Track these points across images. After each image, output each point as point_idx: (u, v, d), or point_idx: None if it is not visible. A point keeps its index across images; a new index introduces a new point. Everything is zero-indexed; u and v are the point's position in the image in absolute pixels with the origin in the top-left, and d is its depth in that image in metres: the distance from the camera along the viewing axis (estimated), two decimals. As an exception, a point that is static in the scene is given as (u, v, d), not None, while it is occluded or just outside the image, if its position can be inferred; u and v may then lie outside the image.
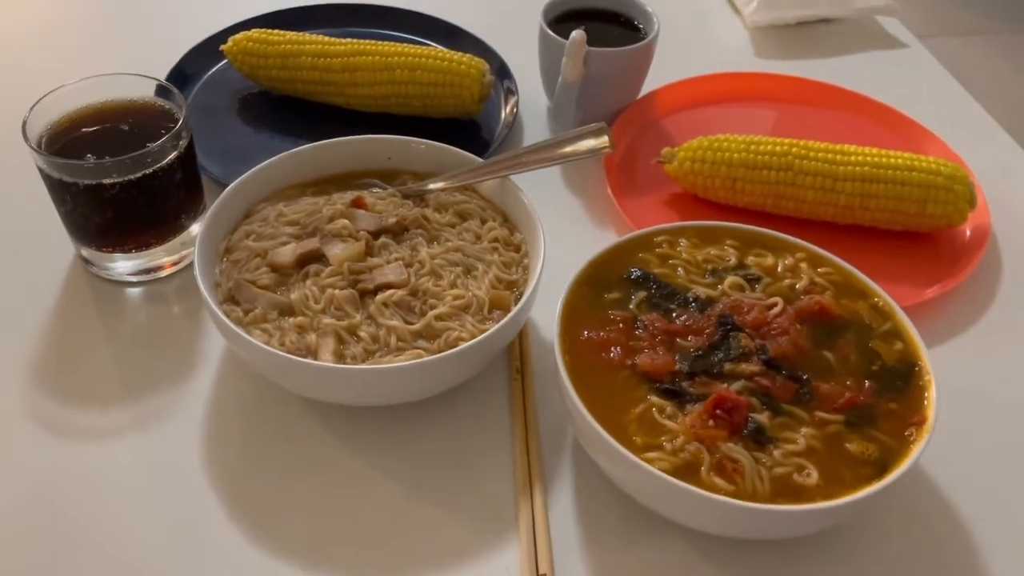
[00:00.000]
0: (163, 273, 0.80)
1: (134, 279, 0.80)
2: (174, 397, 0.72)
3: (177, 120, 0.77)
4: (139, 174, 0.73)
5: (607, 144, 0.76)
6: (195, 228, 0.81)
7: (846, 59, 1.16)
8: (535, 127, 1.02)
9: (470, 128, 1.00)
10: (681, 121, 1.02)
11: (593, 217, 0.91)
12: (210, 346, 0.76)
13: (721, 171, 0.88)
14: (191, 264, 0.81)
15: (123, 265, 0.79)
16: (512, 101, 1.00)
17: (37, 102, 0.74)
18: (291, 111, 1.00)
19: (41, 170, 0.73)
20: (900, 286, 0.81)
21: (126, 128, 0.78)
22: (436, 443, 0.71)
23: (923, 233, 0.89)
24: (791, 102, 1.05)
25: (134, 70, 1.02)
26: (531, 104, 1.02)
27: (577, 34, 0.90)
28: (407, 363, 0.64)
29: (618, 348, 0.66)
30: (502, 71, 1.02)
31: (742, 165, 0.87)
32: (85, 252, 0.79)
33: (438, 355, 0.65)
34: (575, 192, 0.94)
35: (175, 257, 0.81)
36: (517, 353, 0.76)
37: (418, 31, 1.08)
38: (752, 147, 0.88)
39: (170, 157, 0.74)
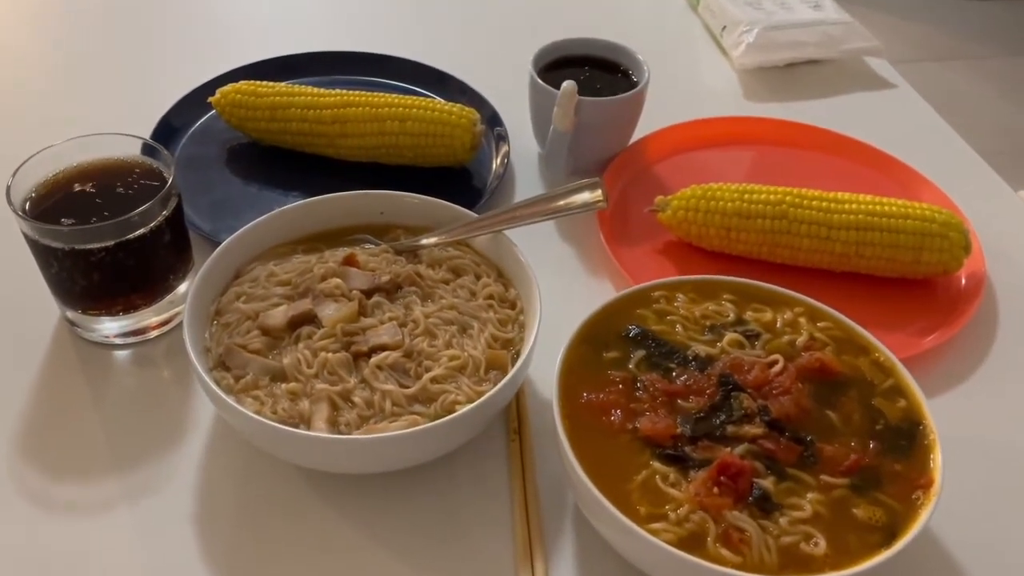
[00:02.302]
0: (151, 335, 0.79)
1: (121, 341, 0.78)
2: (164, 466, 0.70)
3: (165, 180, 0.75)
4: (126, 237, 0.71)
5: (601, 199, 0.75)
6: (183, 287, 0.80)
7: (835, 100, 1.17)
8: (527, 175, 1.01)
9: (461, 177, 0.99)
10: (672, 166, 1.02)
11: (587, 267, 0.91)
12: (200, 411, 0.74)
13: (715, 220, 0.87)
14: (180, 324, 0.80)
15: (110, 327, 0.77)
16: (503, 151, 0.99)
17: (21, 165, 0.73)
18: (280, 162, 0.99)
19: (26, 234, 0.72)
20: (897, 335, 0.80)
21: (113, 188, 0.76)
22: (433, 509, 0.69)
23: (918, 280, 0.88)
24: (782, 145, 1.05)
25: (120, 121, 1.02)
26: (522, 151, 1.02)
27: (568, 85, 0.90)
28: (402, 432, 0.63)
29: (618, 411, 0.64)
30: (493, 120, 1.02)
31: (736, 214, 0.87)
32: (70, 314, 0.78)
33: (434, 423, 0.63)
34: (568, 241, 0.93)
35: (163, 317, 0.79)
36: (514, 413, 0.74)
37: (407, 79, 1.08)
38: (746, 195, 0.88)
39: (158, 219, 0.73)
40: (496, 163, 0.99)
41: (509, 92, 1.04)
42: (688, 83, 1.19)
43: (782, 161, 1.04)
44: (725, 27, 1.21)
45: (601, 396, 0.65)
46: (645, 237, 0.92)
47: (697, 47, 1.27)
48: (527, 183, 1.00)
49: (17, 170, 0.72)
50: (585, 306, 0.83)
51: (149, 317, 0.78)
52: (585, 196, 0.76)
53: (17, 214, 0.70)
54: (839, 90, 1.18)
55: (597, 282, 0.89)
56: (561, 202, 0.77)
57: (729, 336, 0.70)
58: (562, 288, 0.82)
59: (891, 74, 1.21)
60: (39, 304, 0.79)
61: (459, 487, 0.71)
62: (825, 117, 1.09)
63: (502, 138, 1.01)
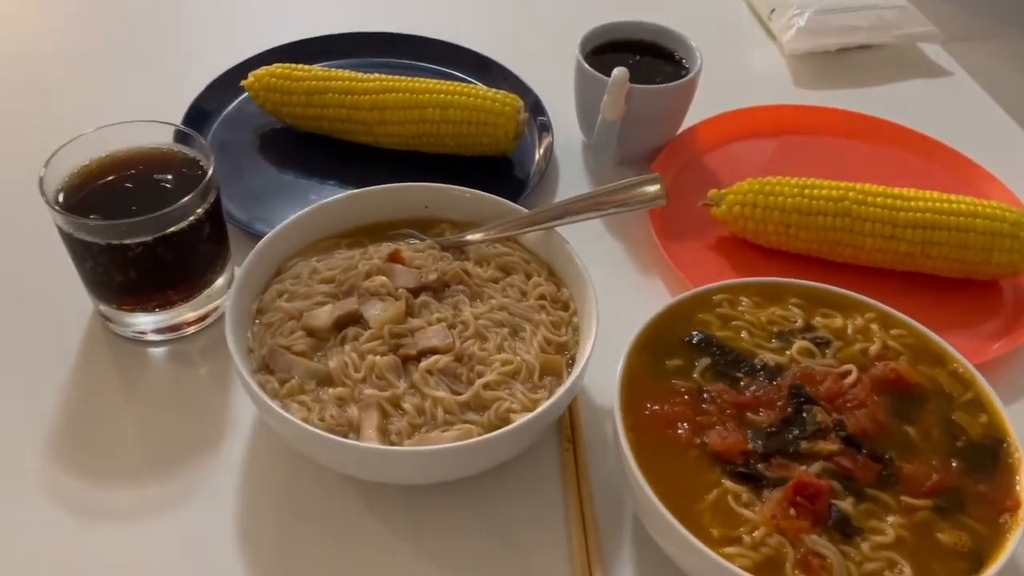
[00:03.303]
0: (188, 331, 0.76)
1: (156, 337, 0.75)
2: (204, 471, 0.67)
3: (204, 171, 0.72)
4: (165, 232, 0.68)
5: (661, 196, 0.71)
6: (220, 281, 0.76)
7: (888, 88, 1.12)
8: (570, 165, 0.97)
9: (502, 167, 0.95)
10: (722, 157, 0.98)
11: (637, 263, 0.87)
12: (240, 412, 0.71)
13: (773, 216, 0.83)
14: (217, 320, 0.77)
15: (144, 322, 0.74)
16: (547, 142, 0.95)
17: (52, 155, 0.69)
18: (315, 148, 0.95)
19: (60, 228, 0.68)
20: (963, 340, 0.76)
21: (147, 179, 0.73)
22: (483, 520, 0.66)
23: (984, 280, 0.84)
24: (836, 135, 1.01)
25: (149, 104, 0.99)
26: (564, 139, 0.98)
27: (619, 72, 0.86)
28: (458, 445, 0.60)
29: (685, 424, 0.61)
30: (536, 108, 0.98)
31: (796, 210, 0.83)
32: (104, 308, 0.74)
33: (491, 435, 0.60)
34: (615, 235, 0.89)
35: (200, 312, 0.76)
36: (567, 421, 0.71)
37: (446, 63, 1.04)
38: (806, 191, 0.83)
39: (198, 212, 0.70)
40: (539, 154, 0.95)
41: (550, 77, 1.00)
42: (734, 68, 1.14)
43: (837, 152, 1.00)
44: (774, 10, 1.16)
45: (666, 408, 0.62)
46: (697, 232, 0.88)
47: (742, 30, 1.22)
48: (571, 174, 0.96)
49: (49, 160, 0.69)
50: (637, 306, 0.80)
51: (185, 313, 0.75)
52: (644, 192, 0.72)
53: (52, 207, 0.67)
54: (892, 77, 1.13)
55: (647, 280, 0.85)
56: (618, 198, 0.73)
57: (798, 344, 0.67)
58: (610, 286, 0.78)
59: (947, 61, 1.16)
60: (71, 296, 0.76)
61: (510, 496, 0.68)
62: (878, 105, 1.05)
63: (545, 128, 0.97)
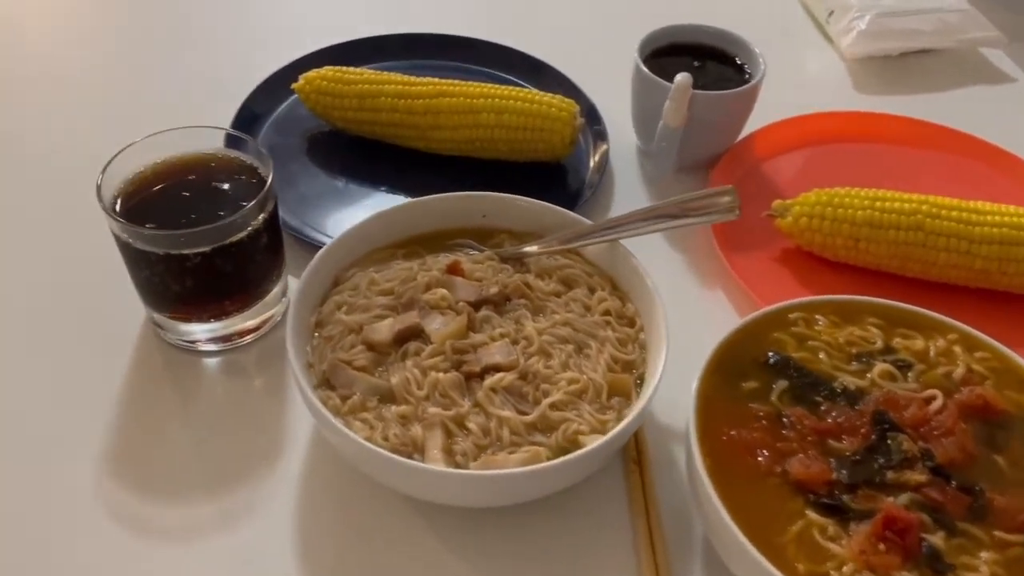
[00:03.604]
0: (242, 341, 0.74)
1: (211, 347, 0.74)
2: (261, 487, 0.66)
3: (261, 178, 0.70)
4: (225, 242, 0.66)
5: (735, 210, 0.69)
6: (275, 289, 0.75)
7: (950, 94, 1.08)
8: (626, 172, 0.95)
9: (556, 173, 0.93)
10: (783, 165, 0.95)
11: (699, 275, 0.84)
12: (297, 427, 0.69)
13: (843, 229, 0.80)
14: (272, 329, 0.76)
15: (199, 331, 0.73)
16: (602, 150, 0.92)
17: (109, 163, 0.68)
18: (366, 153, 0.93)
19: (116, 236, 0.67)
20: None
21: (202, 185, 0.71)
22: (547, 542, 0.64)
23: (1062, 298, 0.81)
24: (900, 143, 0.98)
25: (200, 108, 0.97)
26: (618, 145, 0.95)
27: (683, 78, 0.83)
28: (529, 469, 0.57)
29: (764, 451, 0.59)
30: (590, 114, 0.95)
31: (866, 223, 0.80)
32: (157, 317, 0.73)
33: (561, 460, 0.58)
34: (676, 246, 0.87)
35: (255, 322, 0.74)
36: (631, 440, 0.69)
37: (498, 66, 1.01)
38: (877, 203, 0.80)
39: (256, 222, 0.68)
40: (594, 161, 0.93)
41: (602, 81, 0.98)
42: (791, 72, 1.11)
43: (901, 161, 0.96)
44: (832, 12, 1.13)
45: (744, 433, 0.59)
46: (760, 243, 0.85)
47: (798, 33, 1.18)
48: (627, 182, 0.94)
49: (106, 167, 0.67)
50: (700, 320, 0.78)
51: (240, 322, 0.73)
52: (716, 204, 0.69)
53: (111, 216, 0.65)
54: (954, 83, 1.10)
55: (710, 293, 0.83)
56: (689, 210, 0.70)
57: (879, 367, 0.64)
58: (671, 299, 0.74)
59: (1009, 66, 1.13)
60: (123, 302, 0.75)
61: (574, 518, 0.65)
62: (940, 111, 1.01)
63: (600, 136, 0.94)
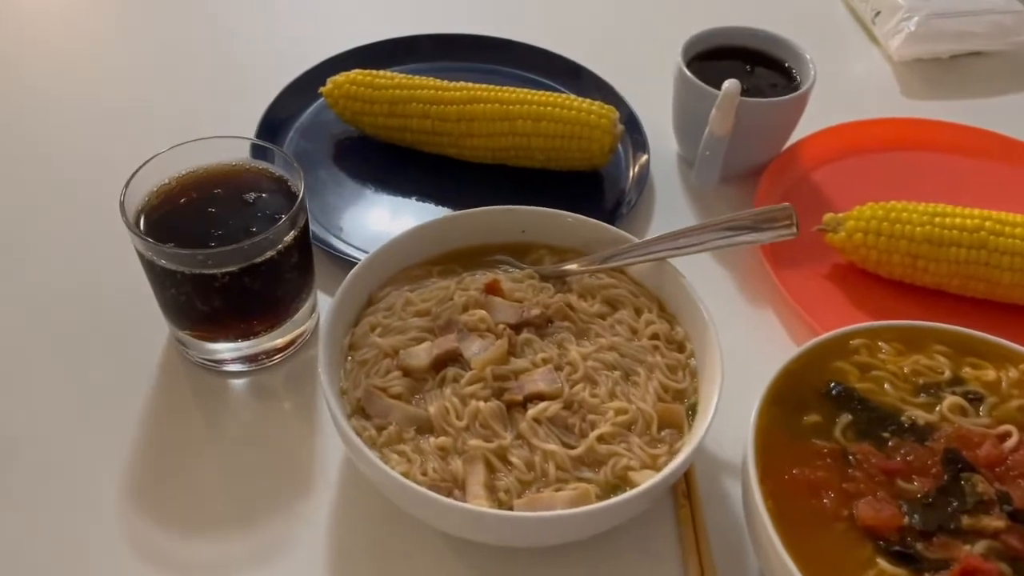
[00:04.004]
0: (270, 361, 0.71)
1: (238, 368, 0.70)
2: (293, 521, 0.62)
3: (292, 192, 0.67)
4: (254, 261, 0.63)
5: (793, 229, 0.65)
6: (305, 306, 0.71)
7: (1003, 100, 1.04)
8: (666, 181, 0.91)
9: (593, 182, 0.89)
10: (832, 174, 0.91)
11: (747, 293, 0.80)
12: (329, 452, 0.66)
13: (900, 246, 0.76)
14: (300, 348, 0.72)
15: (225, 350, 0.70)
16: (642, 160, 0.88)
17: (132, 176, 0.64)
18: (396, 159, 0.90)
19: (140, 253, 0.64)
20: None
21: (231, 199, 0.68)
22: (594, 581, 0.61)
23: None
24: (953, 152, 0.93)
25: (223, 113, 0.94)
26: (658, 152, 0.91)
27: (731, 84, 0.79)
28: (579, 511, 0.54)
29: (830, 492, 0.55)
30: (630, 121, 0.91)
31: (925, 240, 0.76)
32: (181, 335, 0.70)
33: (613, 501, 0.54)
34: (721, 261, 0.83)
35: (284, 340, 0.71)
36: (682, 475, 0.65)
37: (534, 69, 0.98)
38: (937, 219, 0.76)
39: (288, 239, 0.64)
40: (633, 172, 0.89)
41: (639, 84, 0.94)
42: (835, 75, 1.06)
43: (955, 171, 0.92)
44: (879, 13, 1.08)
45: (807, 472, 0.56)
46: (809, 258, 0.81)
47: (842, 34, 1.14)
48: (668, 192, 0.90)
49: (128, 182, 0.64)
50: (750, 342, 0.74)
51: (268, 341, 0.70)
52: (773, 224, 0.65)
53: (134, 233, 0.62)
54: (1008, 87, 1.05)
55: (759, 312, 0.79)
56: (744, 231, 0.66)
57: (949, 400, 0.60)
58: (718, 319, 0.71)
59: (1066, 70, 1.08)
60: (146, 319, 0.72)
61: (621, 553, 0.62)
62: (994, 118, 0.97)
63: (640, 145, 0.90)
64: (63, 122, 0.94)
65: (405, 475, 0.56)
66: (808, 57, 0.86)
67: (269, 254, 0.63)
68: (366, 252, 0.78)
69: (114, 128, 0.93)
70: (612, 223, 0.81)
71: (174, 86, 1.00)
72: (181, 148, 0.68)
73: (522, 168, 0.88)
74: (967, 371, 0.62)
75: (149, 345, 0.72)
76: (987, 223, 0.75)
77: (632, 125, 0.91)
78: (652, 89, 0.91)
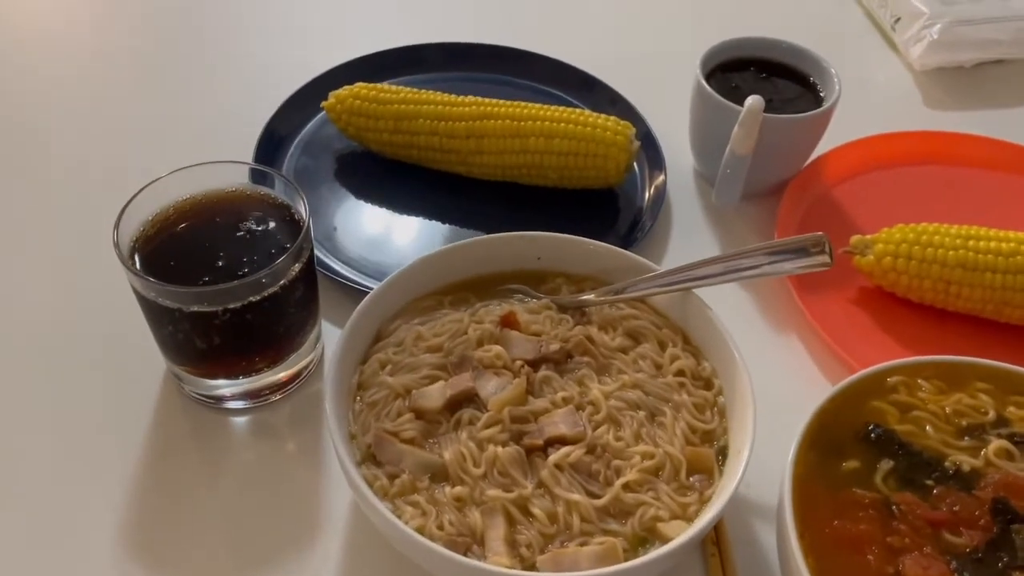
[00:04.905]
0: (273, 397, 0.67)
1: (239, 404, 0.67)
2: (294, 568, 0.59)
3: (297, 221, 0.63)
4: (257, 297, 0.59)
5: (827, 259, 0.61)
6: (309, 339, 0.68)
7: (1027, 109, 1.00)
8: (684, 198, 0.87)
9: (608, 200, 0.86)
10: (855, 190, 0.87)
11: (770, 318, 0.77)
12: (335, 497, 0.63)
13: (932, 271, 0.73)
14: (304, 382, 0.69)
15: (225, 387, 0.66)
16: (658, 180, 0.85)
17: (124, 208, 0.60)
18: (401, 177, 0.86)
19: (137, 291, 0.60)
20: None
21: (231, 228, 0.64)
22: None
23: None
24: (982, 166, 0.90)
25: (222, 129, 0.90)
26: (674, 166, 0.87)
27: (755, 101, 0.75)
28: (607, 571, 0.50)
29: (873, 547, 0.51)
30: (647, 139, 0.87)
31: (959, 265, 0.72)
32: (178, 371, 0.66)
33: (642, 560, 0.51)
34: (742, 284, 0.79)
35: (286, 375, 0.67)
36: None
37: (548, 80, 0.94)
38: (971, 243, 0.73)
39: (292, 273, 0.61)
40: (649, 193, 0.85)
41: (654, 95, 0.91)
42: (853, 83, 1.00)
43: (982, 186, 0.88)
44: (899, 19, 1.05)
45: (848, 525, 0.52)
46: (835, 282, 0.78)
47: (860, 41, 1.10)
48: (685, 210, 0.86)
49: (121, 214, 0.60)
50: (777, 375, 0.71)
51: (270, 376, 0.66)
52: (805, 254, 0.62)
53: (129, 270, 0.58)
54: (1031, 96, 1.02)
55: (784, 340, 0.75)
56: (775, 261, 0.63)
57: (995, 443, 0.56)
58: (742, 345, 0.67)
59: (1093, 77, 1.05)
60: (142, 353, 0.68)
61: (647, 607, 0.59)
62: (1020, 129, 0.93)
63: (657, 163, 0.86)
64: (58, 145, 0.90)
65: (420, 530, 0.53)
66: (833, 71, 0.82)
67: (272, 289, 0.59)
68: (371, 277, 0.75)
69: (110, 149, 0.89)
70: (629, 245, 0.78)
71: (176, 103, 0.95)
72: (176, 175, 0.64)
73: (534, 186, 0.84)
74: (1011, 411, 0.59)
75: (145, 379, 0.69)
76: (1023, 247, 0.72)
77: (648, 141, 0.87)
78: (668, 102, 0.87)
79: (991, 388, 0.60)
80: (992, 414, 0.59)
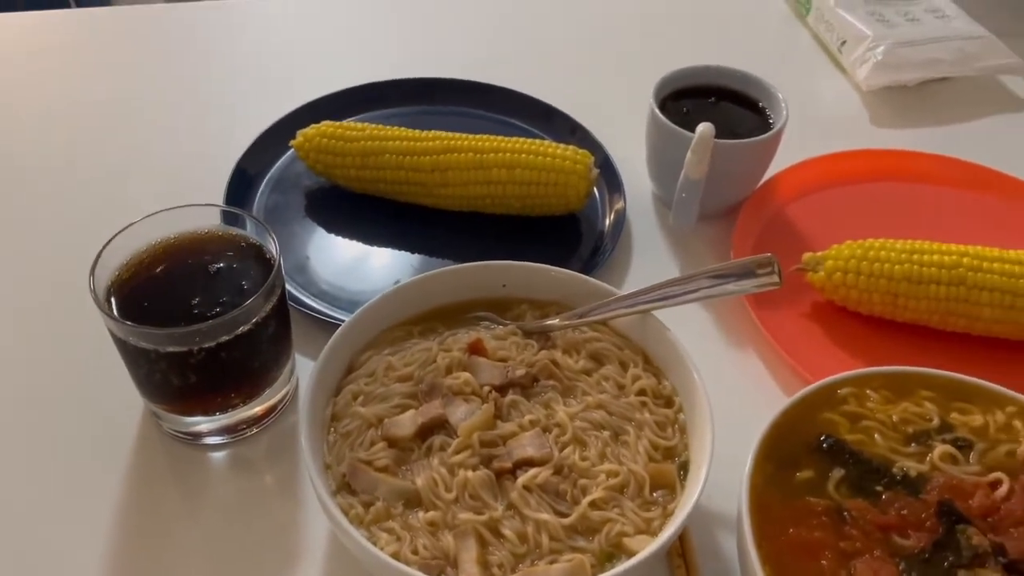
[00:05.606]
0: (250, 431, 0.69)
1: (216, 440, 0.68)
2: (277, 600, 0.61)
3: (268, 260, 0.65)
4: (231, 336, 0.61)
5: (776, 279, 0.65)
6: (284, 373, 0.70)
7: (971, 125, 1.05)
8: (644, 221, 0.90)
9: (570, 225, 0.89)
10: (807, 208, 0.91)
11: (729, 334, 0.80)
12: (314, 528, 0.64)
13: (880, 285, 0.76)
14: (280, 415, 0.71)
15: (203, 423, 0.68)
16: (618, 205, 0.88)
17: (99, 254, 0.62)
18: (370, 210, 0.88)
19: (112, 333, 0.62)
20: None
21: (201, 269, 0.66)
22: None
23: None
24: (928, 182, 0.94)
25: (192, 169, 0.92)
26: (633, 190, 0.90)
27: (706, 128, 0.79)
28: (576, 586, 0.53)
29: (827, 553, 0.54)
30: (605, 165, 0.90)
31: (905, 279, 0.76)
32: (156, 408, 0.68)
33: (610, 574, 0.53)
34: (701, 302, 0.82)
35: (262, 409, 0.69)
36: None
37: (508, 112, 0.97)
38: (915, 256, 0.76)
39: (265, 310, 0.63)
40: (610, 216, 0.88)
41: (612, 122, 0.94)
42: (803, 105, 1.05)
43: (928, 200, 0.93)
44: (845, 42, 1.09)
45: (804, 533, 0.55)
46: (789, 297, 0.81)
47: (808, 62, 1.15)
48: (645, 232, 0.89)
49: (97, 260, 0.62)
50: (735, 389, 0.74)
51: (246, 411, 0.68)
52: (756, 275, 0.65)
53: (105, 314, 0.60)
54: (974, 113, 1.06)
55: (742, 355, 0.78)
56: (727, 282, 0.66)
57: (939, 448, 0.60)
58: (702, 363, 0.70)
59: (1030, 92, 1.10)
60: (120, 391, 0.69)
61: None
62: (962, 144, 0.98)
63: (616, 187, 0.89)
64: (30, 195, 0.91)
65: (395, 555, 0.55)
66: (780, 96, 0.86)
67: (245, 327, 0.61)
68: (343, 309, 0.78)
69: (81, 195, 0.90)
70: (591, 268, 0.81)
71: (144, 148, 0.97)
72: (150, 219, 0.66)
73: (499, 215, 0.87)
74: (955, 417, 0.62)
75: (124, 419, 0.70)
76: (965, 259, 0.76)
77: (607, 168, 0.90)
78: (626, 129, 0.91)
79: (935, 396, 0.63)
80: (936, 420, 0.62)
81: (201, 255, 0.67)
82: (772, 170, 0.90)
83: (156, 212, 0.66)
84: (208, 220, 0.69)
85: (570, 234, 0.88)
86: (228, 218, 0.69)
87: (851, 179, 0.93)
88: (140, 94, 1.05)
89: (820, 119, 1.05)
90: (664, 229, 0.90)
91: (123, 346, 0.62)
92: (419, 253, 0.85)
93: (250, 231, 0.68)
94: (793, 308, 0.81)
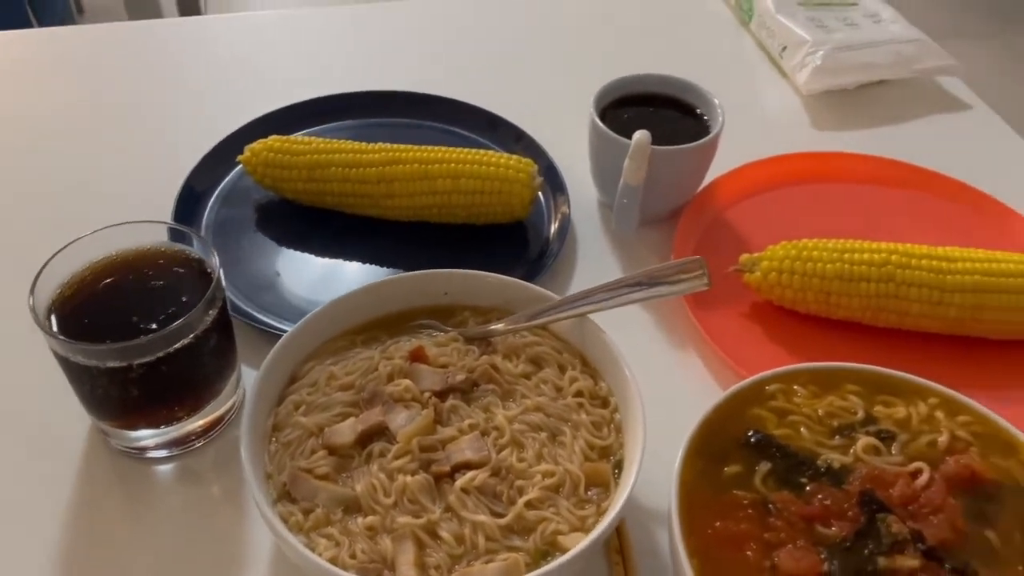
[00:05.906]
0: (196, 443, 0.70)
1: (162, 453, 0.69)
2: (222, 609, 0.62)
3: (207, 273, 0.66)
4: (172, 349, 0.62)
5: (704, 280, 0.66)
6: (229, 384, 0.71)
7: (909, 126, 1.08)
8: (589, 226, 0.92)
9: (516, 233, 0.90)
10: (747, 211, 0.93)
11: (670, 336, 0.82)
12: (260, 536, 0.65)
13: (813, 284, 0.79)
14: (227, 427, 0.72)
15: (148, 437, 0.68)
16: (563, 213, 0.90)
17: (40, 273, 0.63)
18: (318, 222, 0.89)
19: (55, 351, 0.63)
20: (1018, 407, 0.72)
21: (145, 284, 0.67)
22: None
23: (1035, 339, 0.80)
24: (862, 182, 0.97)
25: (142, 184, 0.92)
26: (578, 197, 0.92)
27: (642, 136, 0.81)
28: (509, 584, 0.54)
29: (752, 544, 0.56)
30: (550, 172, 0.92)
31: (836, 277, 0.78)
32: (103, 425, 0.69)
33: (543, 570, 0.54)
34: (644, 305, 0.84)
35: (207, 421, 0.70)
36: (613, 531, 0.66)
37: (454, 122, 0.98)
38: (846, 255, 0.79)
39: (204, 322, 0.64)
40: (555, 222, 0.90)
41: (557, 130, 0.96)
42: (746, 110, 1.09)
43: (865, 201, 0.95)
44: (786, 47, 1.12)
45: (730, 525, 0.57)
46: (728, 298, 0.83)
47: (752, 68, 1.17)
48: (590, 237, 0.91)
49: (37, 277, 0.63)
50: (675, 389, 0.75)
51: (191, 424, 0.69)
52: (686, 277, 0.67)
53: (46, 333, 0.61)
54: (912, 114, 1.09)
55: (683, 356, 0.80)
56: (658, 283, 0.68)
57: (863, 440, 0.62)
58: (643, 364, 0.70)
59: (967, 94, 1.12)
60: (66, 408, 0.70)
61: (557, 617, 0.62)
62: (902, 144, 1.01)
63: (560, 190, 0.91)
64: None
65: (333, 560, 0.56)
66: (716, 102, 0.88)
67: (185, 341, 0.62)
68: (289, 321, 0.79)
69: (27, 212, 0.91)
70: (537, 273, 0.83)
71: (93, 165, 0.97)
72: (94, 236, 0.67)
73: (446, 224, 0.89)
74: (879, 409, 0.64)
75: (71, 436, 0.71)
76: (894, 257, 0.78)
77: (552, 174, 0.92)
78: (573, 135, 0.93)
79: (860, 390, 0.65)
80: (861, 413, 0.64)
81: (143, 271, 0.68)
82: (714, 174, 0.93)
83: (100, 229, 0.67)
84: (153, 236, 0.70)
85: (516, 240, 0.90)
86: (173, 234, 0.70)
87: (790, 181, 0.96)
88: (88, 112, 1.05)
89: (763, 124, 1.08)
90: (609, 234, 0.92)
91: (65, 363, 0.63)
92: (369, 263, 0.87)
93: (195, 246, 0.69)
94: (732, 308, 0.83)
